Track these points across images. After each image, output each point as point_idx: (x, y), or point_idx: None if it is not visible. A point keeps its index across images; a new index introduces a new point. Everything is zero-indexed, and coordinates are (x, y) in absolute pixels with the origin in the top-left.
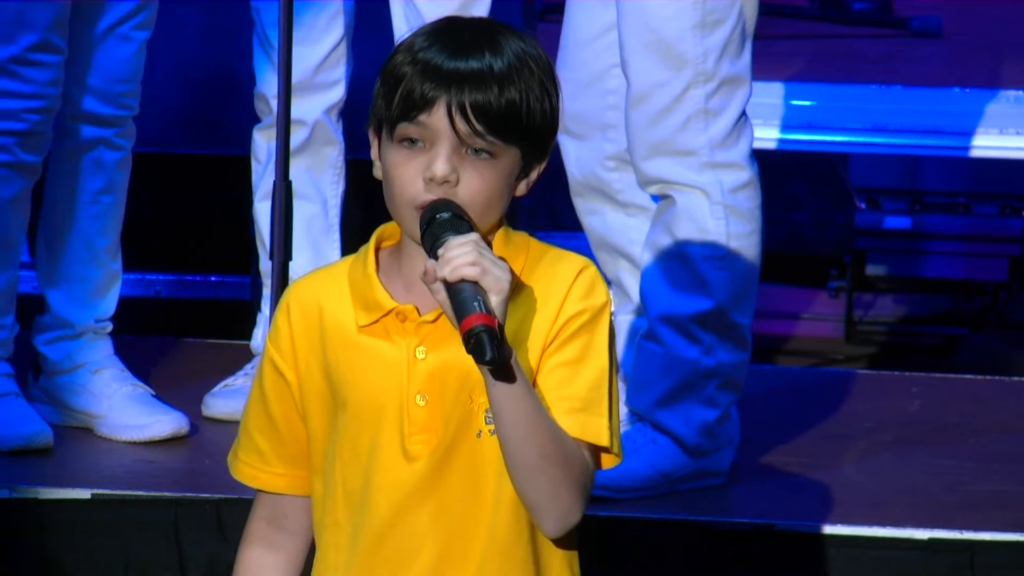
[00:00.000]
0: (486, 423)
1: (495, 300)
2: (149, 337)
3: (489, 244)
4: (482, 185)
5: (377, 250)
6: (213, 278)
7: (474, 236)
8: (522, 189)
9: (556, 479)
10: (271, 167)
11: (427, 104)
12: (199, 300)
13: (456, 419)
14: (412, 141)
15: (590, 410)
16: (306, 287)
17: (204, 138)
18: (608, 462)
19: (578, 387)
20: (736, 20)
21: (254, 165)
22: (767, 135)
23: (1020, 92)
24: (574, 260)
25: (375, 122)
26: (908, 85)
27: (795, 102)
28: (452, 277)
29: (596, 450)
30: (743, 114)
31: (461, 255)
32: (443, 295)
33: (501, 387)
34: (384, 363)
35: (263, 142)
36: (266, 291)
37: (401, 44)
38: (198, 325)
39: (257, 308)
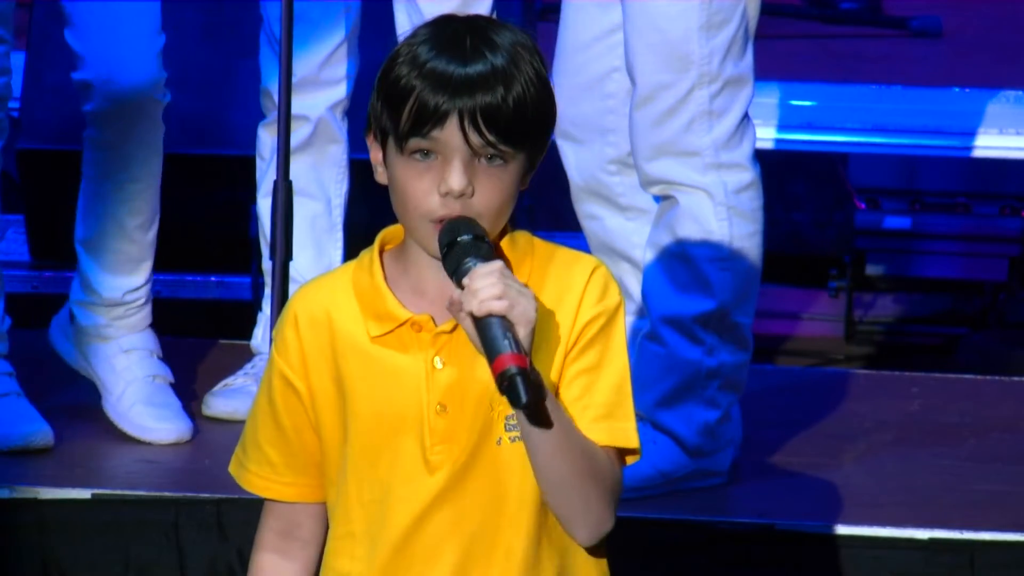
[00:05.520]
0: (506, 431)
1: (523, 332)
2: None
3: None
4: (497, 193)
5: (380, 254)
6: (213, 278)
7: (499, 264)
8: (525, 183)
9: (587, 491)
10: (274, 164)
11: (440, 120)
12: (199, 300)
13: (477, 428)
14: (425, 154)
15: (615, 415)
16: (312, 296)
17: (204, 138)
18: (631, 459)
19: (601, 393)
20: (740, 20)
21: (258, 162)
22: (767, 135)
23: (1020, 92)
24: (585, 261)
25: (376, 129)
26: (908, 85)
27: (795, 102)
28: (480, 312)
29: (621, 452)
30: (746, 115)
31: (487, 287)
32: (467, 324)
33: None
34: (401, 374)
35: (268, 138)
36: (267, 290)
37: (401, 53)
38: (198, 325)
39: (258, 308)
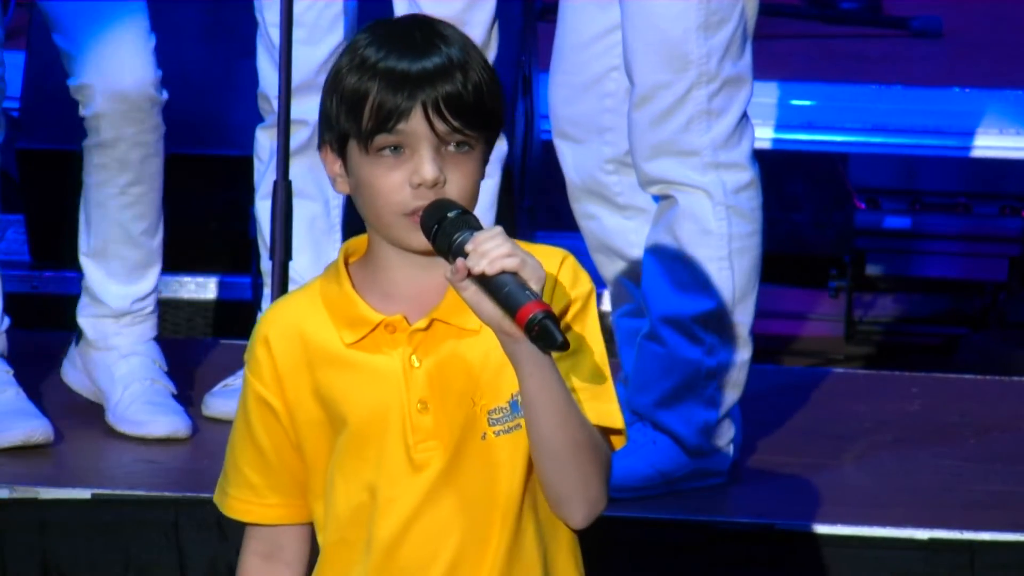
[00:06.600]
0: (490, 425)
1: (535, 289)
2: None
3: None
4: (467, 178)
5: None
6: (213, 278)
7: (499, 229)
8: (483, 172)
9: (586, 467)
10: (273, 165)
11: (403, 112)
12: (199, 300)
13: (460, 424)
14: (393, 149)
15: (599, 397)
16: (281, 315)
17: (204, 138)
18: (617, 444)
19: (582, 377)
20: (738, 20)
21: (256, 164)
22: (766, 135)
23: (1020, 92)
24: (552, 252)
25: (332, 139)
26: (908, 85)
27: (794, 102)
28: (493, 269)
29: (606, 435)
30: (744, 114)
31: (497, 247)
32: (471, 291)
33: (538, 378)
34: (379, 376)
35: (266, 141)
36: (266, 290)
37: (346, 61)
38: (198, 325)
39: (257, 308)
